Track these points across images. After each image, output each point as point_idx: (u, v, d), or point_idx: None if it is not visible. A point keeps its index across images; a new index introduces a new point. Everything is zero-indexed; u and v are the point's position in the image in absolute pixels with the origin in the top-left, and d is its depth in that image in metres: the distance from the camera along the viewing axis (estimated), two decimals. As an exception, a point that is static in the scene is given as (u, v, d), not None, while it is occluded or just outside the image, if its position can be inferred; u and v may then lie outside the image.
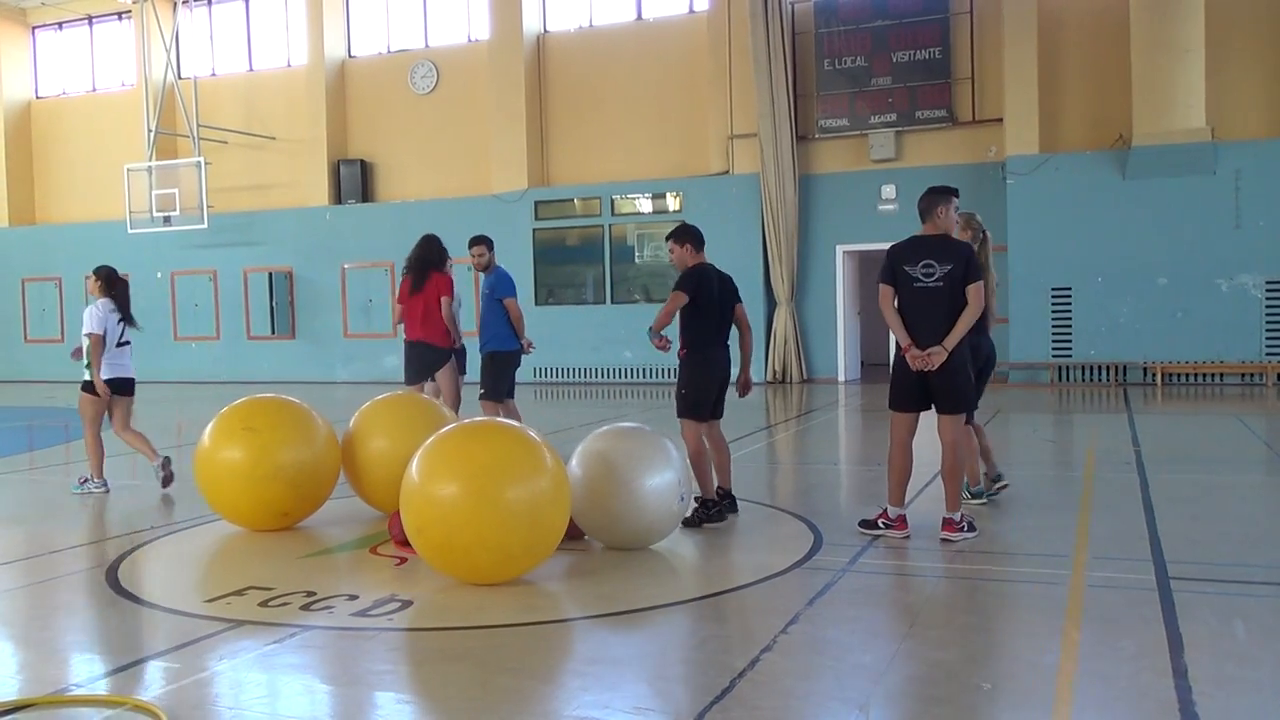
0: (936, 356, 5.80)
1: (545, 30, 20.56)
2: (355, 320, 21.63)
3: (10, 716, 3.69)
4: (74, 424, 14.84)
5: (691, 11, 19.52)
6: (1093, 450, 9.90)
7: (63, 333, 24.00)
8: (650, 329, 6.67)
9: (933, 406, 5.97)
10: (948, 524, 5.94)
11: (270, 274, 22.01)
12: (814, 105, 18.40)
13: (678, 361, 6.82)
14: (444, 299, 9.26)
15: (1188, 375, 16.04)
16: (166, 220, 21.68)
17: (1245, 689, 3.70)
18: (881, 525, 6.07)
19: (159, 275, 23.03)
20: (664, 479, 5.77)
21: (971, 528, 5.98)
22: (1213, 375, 15.94)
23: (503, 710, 3.62)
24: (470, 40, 21.10)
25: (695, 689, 3.85)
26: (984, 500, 6.91)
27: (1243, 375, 15.78)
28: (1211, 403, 13.95)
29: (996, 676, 3.89)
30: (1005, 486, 7.14)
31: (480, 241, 9.46)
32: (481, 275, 9.62)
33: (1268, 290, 15.67)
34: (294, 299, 22.13)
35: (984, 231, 6.82)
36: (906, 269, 5.93)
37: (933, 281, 5.87)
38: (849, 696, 3.69)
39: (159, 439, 12.47)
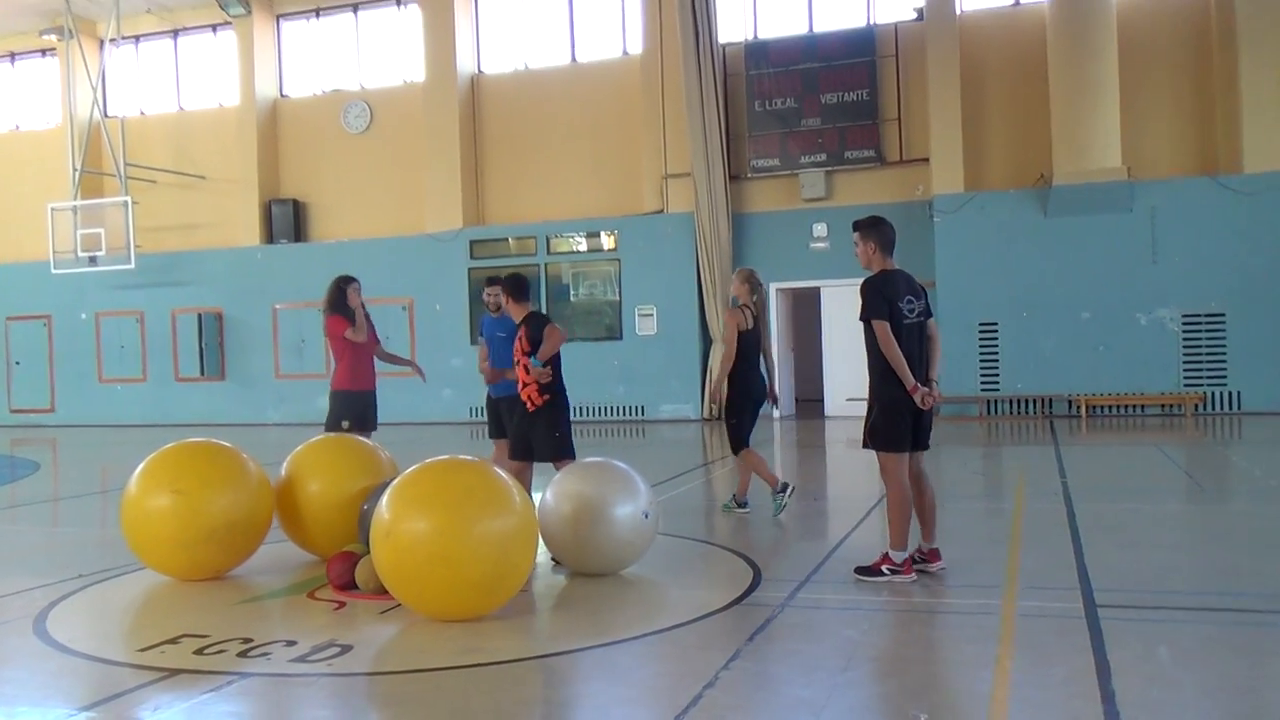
0: (936, 394, 5.90)
1: (480, 71, 20.67)
2: (287, 361, 21.37)
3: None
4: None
5: (625, 54, 19.79)
6: (1022, 482, 10.13)
7: (-17, 375, 23.38)
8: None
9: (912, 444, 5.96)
10: (936, 554, 6.03)
11: (200, 314, 21.68)
12: (746, 145, 18.71)
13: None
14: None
15: (1111, 407, 16.49)
16: (92, 260, 21.28)
17: (1171, 712, 3.82)
18: (886, 571, 5.82)
19: (83, 316, 22.57)
20: (631, 508, 6.14)
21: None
22: (1134, 407, 16.41)
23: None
24: (404, 81, 21.13)
25: (638, 727, 3.87)
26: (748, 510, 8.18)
27: (1162, 406, 16.28)
28: (1134, 433, 14.36)
29: (933, 706, 3.97)
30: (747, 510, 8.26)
31: (496, 282, 8.56)
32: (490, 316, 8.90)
33: (1184, 324, 16.21)
34: (224, 340, 21.82)
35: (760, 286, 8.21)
36: (899, 304, 5.85)
37: (915, 317, 5.91)
38: (790, 730, 3.74)
39: (84, 484, 12.20)
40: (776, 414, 18.36)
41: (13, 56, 23.81)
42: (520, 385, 7.25)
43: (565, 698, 4.27)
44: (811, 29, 18.66)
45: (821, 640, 4.94)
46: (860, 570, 5.95)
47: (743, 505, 8.34)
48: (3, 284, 23.00)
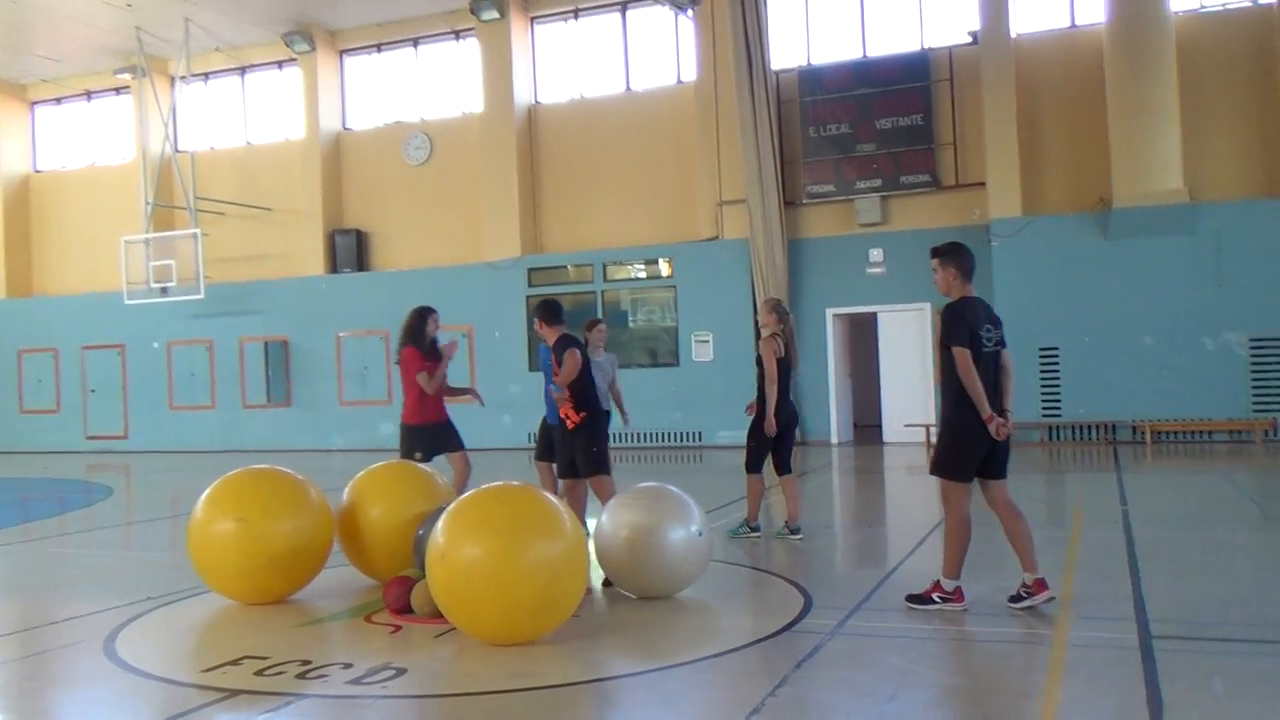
0: (1010, 424, 5.78)
1: (536, 102, 20.98)
2: (350, 388, 21.76)
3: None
4: (69, 494, 14.94)
5: (679, 82, 19.96)
6: (1079, 510, 10.00)
7: (58, 403, 24.11)
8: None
9: (982, 473, 5.85)
10: (1040, 585, 5.81)
11: (266, 343, 22.17)
12: (800, 171, 18.74)
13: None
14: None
15: (1176, 433, 16.17)
16: (163, 291, 21.89)
17: (1222, 745, 3.78)
18: (938, 599, 5.79)
19: (155, 345, 23.19)
20: (685, 526, 6.27)
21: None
22: (1201, 433, 16.08)
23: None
24: (463, 113, 21.51)
25: (684, 752, 3.93)
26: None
27: (1230, 432, 15.93)
28: (1200, 460, 14.07)
29: (979, 736, 3.97)
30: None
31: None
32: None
33: (1252, 347, 15.88)
34: (289, 367, 22.27)
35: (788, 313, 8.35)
36: (980, 332, 5.78)
37: (992, 346, 5.85)
38: (835, 758, 3.77)
39: (154, 509, 12.54)
40: (834, 440, 18.33)
41: (89, 95, 24.67)
42: (559, 406, 7.54)
43: (613, 723, 4.34)
44: (865, 54, 18.67)
45: (869, 668, 4.94)
46: (911, 598, 5.91)
47: (755, 529, 8.50)
48: (78, 314, 23.74)
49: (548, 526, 5.48)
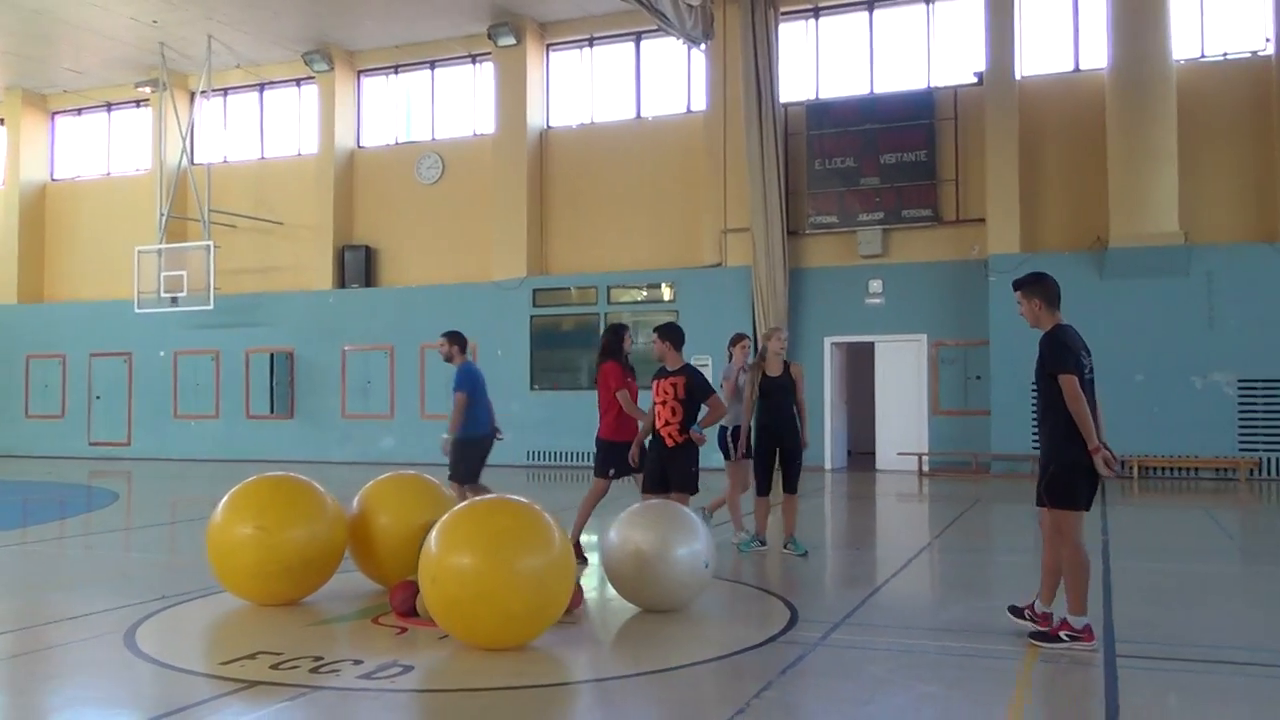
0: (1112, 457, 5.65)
1: (548, 126, 21.41)
2: (354, 401, 22.09)
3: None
4: (70, 498, 15.24)
5: (689, 111, 20.39)
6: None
7: (63, 408, 24.44)
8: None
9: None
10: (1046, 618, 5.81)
11: (272, 354, 22.52)
12: (805, 202, 19.13)
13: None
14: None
15: (1164, 469, 16.48)
16: (174, 301, 22.26)
17: (1170, 753, 4.09)
18: (1065, 637, 5.54)
19: (162, 354, 23.55)
20: (691, 550, 6.49)
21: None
22: (1188, 469, 16.39)
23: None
24: (475, 134, 21.94)
25: (672, 746, 4.23)
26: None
27: (1216, 470, 16.24)
28: (1184, 496, 14.38)
29: (946, 738, 4.28)
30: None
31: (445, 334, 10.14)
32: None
33: (1240, 388, 16.20)
34: (294, 379, 22.61)
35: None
36: (1084, 359, 5.73)
37: (1090, 374, 5.76)
38: (811, 754, 4.08)
39: (158, 514, 12.86)
40: (828, 466, 18.62)
41: (109, 106, 25.14)
42: (663, 424, 7.99)
43: (606, 717, 4.63)
44: (872, 91, 19.11)
45: (849, 677, 5.24)
46: (1036, 636, 5.68)
47: (763, 542, 9.04)
48: (87, 322, 24.12)
49: (534, 539, 5.73)
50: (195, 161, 22.91)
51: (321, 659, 5.53)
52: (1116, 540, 9.79)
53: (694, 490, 8.00)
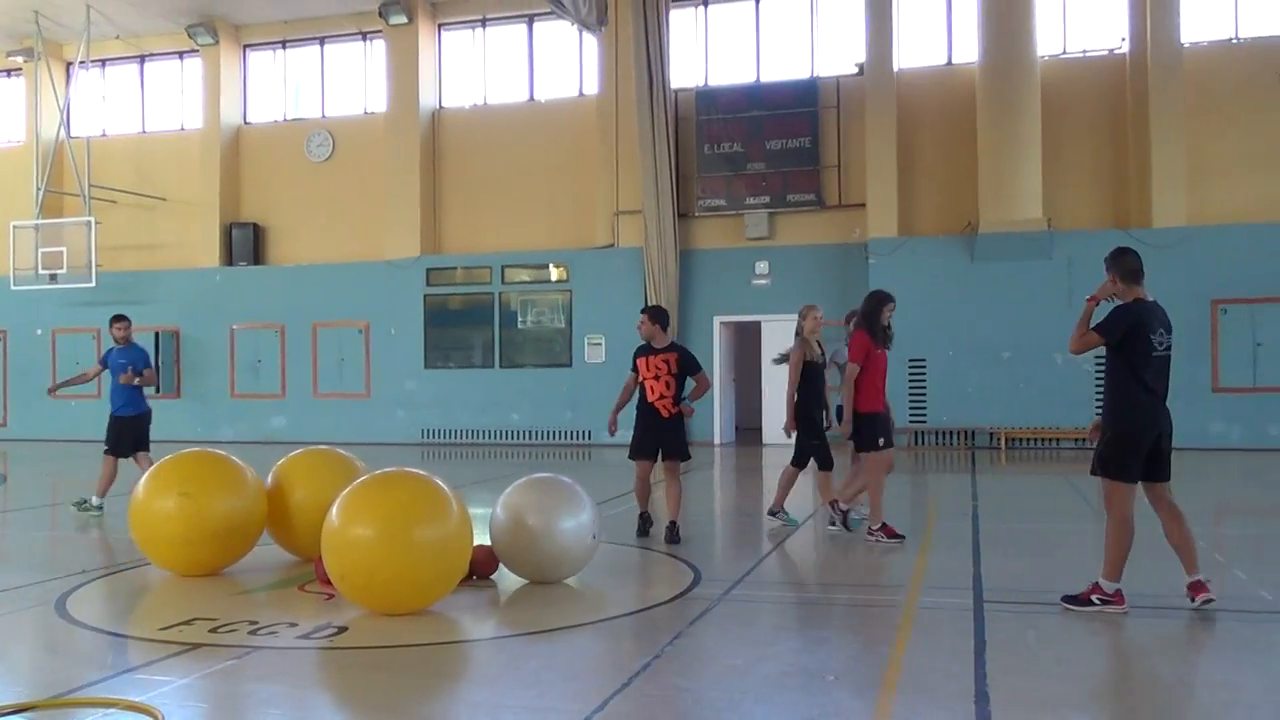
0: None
1: (441, 106, 21.50)
2: (243, 380, 21.90)
3: (11, 718, 4.31)
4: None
5: (581, 95, 20.75)
6: (934, 503, 11.14)
7: (-66, 388, 23.55)
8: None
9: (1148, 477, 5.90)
10: (1200, 586, 5.75)
11: (157, 333, 22.11)
12: (694, 185, 19.73)
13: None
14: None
15: (1028, 440, 17.67)
16: (52, 278, 21.67)
17: (1029, 676, 4.74)
18: (1097, 601, 5.79)
19: (39, 332, 22.90)
20: (579, 521, 6.71)
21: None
22: (1050, 440, 17.61)
23: (429, 705, 4.42)
24: (366, 113, 21.89)
25: (599, 686, 4.70)
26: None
27: (1075, 440, 17.48)
28: (1047, 464, 15.49)
29: (842, 671, 4.86)
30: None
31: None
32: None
33: (1096, 364, 17.42)
34: (180, 358, 22.28)
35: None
36: (1151, 336, 5.81)
37: (1163, 350, 5.85)
38: (723, 688, 4.61)
39: (45, 495, 12.77)
40: (717, 440, 19.34)
41: (-23, 75, 24.20)
42: (657, 397, 8.50)
43: (535, 665, 5.07)
44: (759, 79, 19.79)
45: (751, 625, 5.81)
46: (1069, 599, 5.89)
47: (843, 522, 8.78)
48: (-42, 298, 23.27)
49: (434, 509, 6.05)
50: (73, 135, 22.28)
51: (257, 622, 5.84)
52: (984, 503, 10.66)
53: (687, 457, 8.60)
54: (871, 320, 8.36)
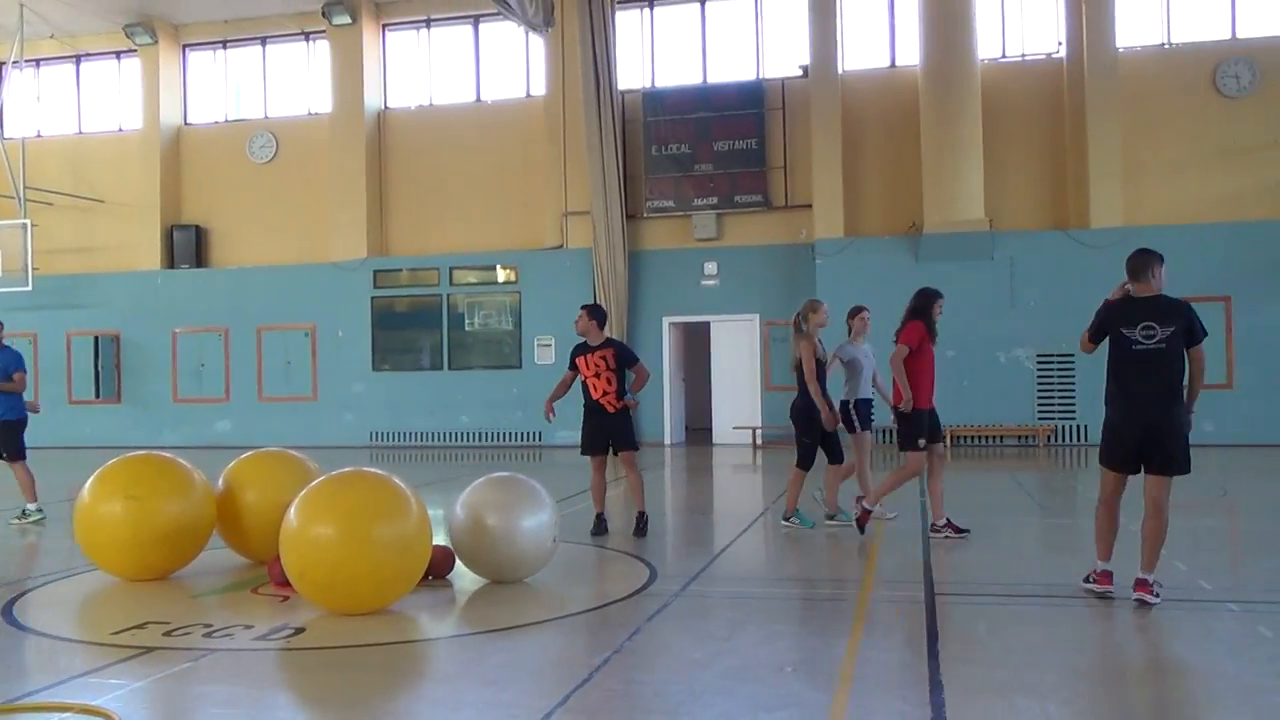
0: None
1: (386, 107, 21.36)
2: (186, 385, 21.58)
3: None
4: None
5: (528, 96, 20.73)
6: (883, 500, 11.26)
7: None
8: None
9: (1142, 467, 5.91)
10: (1141, 584, 5.83)
11: (96, 337, 21.74)
12: (643, 186, 19.80)
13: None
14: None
15: (972, 437, 17.97)
16: (-13, 282, 21.16)
17: (980, 665, 4.85)
18: (1157, 593, 5.84)
19: (-27, 337, 22.33)
20: (539, 520, 6.74)
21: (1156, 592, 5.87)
22: (993, 437, 17.93)
23: (391, 703, 4.43)
24: (310, 114, 21.68)
25: (560, 682, 4.73)
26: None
27: (1019, 437, 17.81)
28: (991, 461, 15.77)
29: (799, 662, 4.94)
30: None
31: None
32: None
33: (1038, 363, 17.80)
34: (120, 363, 21.89)
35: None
36: (1124, 331, 5.90)
37: (1153, 344, 5.85)
38: (683, 681, 4.66)
39: None
40: (668, 440, 19.42)
41: (-95, 73, 23.56)
42: (600, 394, 8.74)
43: (496, 662, 5.08)
44: (705, 80, 19.91)
45: (708, 620, 5.87)
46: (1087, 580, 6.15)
47: (832, 517, 9.06)
48: (-112, 302, 22.64)
49: (395, 507, 6.04)
50: (6, 136, 21.79)
51: (212, 625, 5.79)
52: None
53: (636, 448, 8.84)
54: (924, 315, 8.45)
